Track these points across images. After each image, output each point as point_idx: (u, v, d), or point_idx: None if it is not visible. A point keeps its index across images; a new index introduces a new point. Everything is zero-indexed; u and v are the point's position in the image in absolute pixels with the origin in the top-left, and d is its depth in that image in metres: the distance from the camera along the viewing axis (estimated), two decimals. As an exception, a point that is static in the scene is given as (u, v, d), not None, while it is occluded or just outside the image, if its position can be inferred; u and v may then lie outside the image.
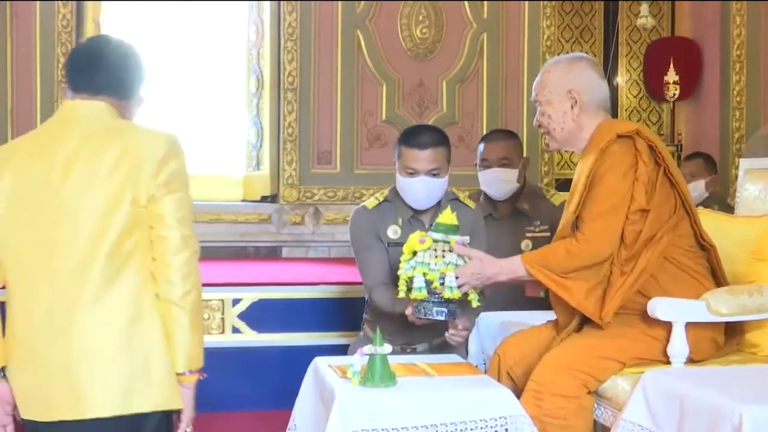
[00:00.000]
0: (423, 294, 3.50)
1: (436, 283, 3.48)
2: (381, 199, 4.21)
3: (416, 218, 4.15)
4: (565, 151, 8.33)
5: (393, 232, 4.16)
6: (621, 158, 3.35)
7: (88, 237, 2.63)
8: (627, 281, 3.32)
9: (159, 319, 2.66)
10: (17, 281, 2.72)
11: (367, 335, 4.33)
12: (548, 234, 4.64)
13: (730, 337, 3.50)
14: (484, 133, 7.38)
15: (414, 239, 3.54)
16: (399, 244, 3.95)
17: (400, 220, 4.15)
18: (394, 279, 3.86)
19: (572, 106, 3.51)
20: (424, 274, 3.48)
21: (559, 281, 3.35)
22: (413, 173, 4.03)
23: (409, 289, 3.53)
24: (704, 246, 3.48)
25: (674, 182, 3.42)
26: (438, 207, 4.11)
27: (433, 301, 3.54)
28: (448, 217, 3.57)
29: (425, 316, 3.56)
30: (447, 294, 3.47)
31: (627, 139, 3.38)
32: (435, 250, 3.51)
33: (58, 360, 2.63)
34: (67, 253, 2.64)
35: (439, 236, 3.52)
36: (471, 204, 4.27)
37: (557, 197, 4.78)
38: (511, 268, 3.46)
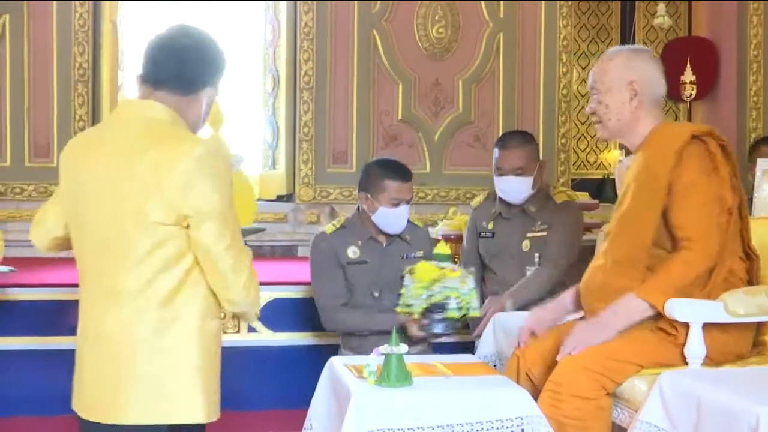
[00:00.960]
0: (457, 314, 4.02)
1: (464, 305, 4.00)
2: (338, 225, 4.55)
3: (374, 239, 4.49)
4: (582, 151, 8.32)
5: (353, 252, 4.46)
6: (701, 161, 3.30)
7: (119, 247, 2.63)
8: (708, 288, 3.29)
9: (189, 331, 2.65)
10: (79, 275, 2.79)
11: (344, 353, 4.43)
12: (545, 233, 4.66)
13: (753, 347, 3.46)
14: (500, 133, 7.40)
15: (433, 269, 4.04)
16: (358, 262, 4.44)
17: (359, 242, 4.46)
18: (357, 297, 4.44)
19: (631, 98, 3.44)
20: (457, 297, 3.99)
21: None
22: (398, 203, 4.36)
23: (425, 311, 4.06)
24: (749, 254, 3.44)
25: (736, 186, 3.38)
26: None
27: (438, 319, 4.04)
28: (443, 248, 4.20)
29: (432, 331, 4.07)
30: (472, 314, 4.06)
31: (700, 141, 3.33)
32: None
33: (94, 362, 2.69)
34: (101, 260, 2.67)
35: (447, 265, 4.07)
36: (419, 223, 4.65)
37: (560, 195, 4.80)
38: (627, 311, 3.29)
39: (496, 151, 4.79)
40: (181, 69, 2.75)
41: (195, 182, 2.57)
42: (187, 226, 2.60)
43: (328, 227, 4.57)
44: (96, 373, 2.67)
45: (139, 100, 2.76)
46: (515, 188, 4.70)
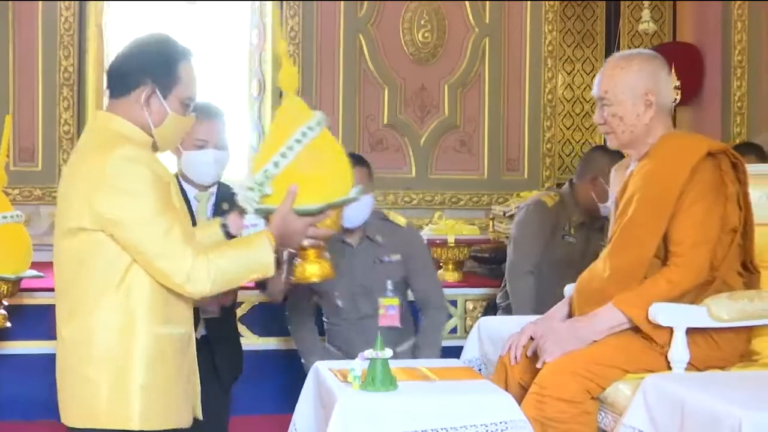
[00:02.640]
0: None
1: None
2: None
3: (344, 241, 4.25)
4: (567, 155, 8.34)
5: None
6: (710, 179, 3.25)
7: (59, 260, 2.73)
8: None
9: (129, 336, 2.65)
10: None
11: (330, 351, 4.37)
12: None
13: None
14: (486, 138, 7.47)
15: None
16: None
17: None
18: (328, 306, 4.32)
19: (646, 110, 3.34)
20: None
21: None
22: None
23: None
24: (749, 268, 3.41)
25: (746, 203, 3.34)
26: (364, 226, 4.24)
27: None
28: None
29: None
30: None
31: (713, 158, 3.27)
32: None
33: (57, 365, 2.79)
34: (56, 266, 2.77)
35: None
36: (401, 222, 4.35)
37: None
38: (604, 321, 3.26)
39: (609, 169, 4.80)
40: (117, 65, 2.78)
41: (112, 189, 2.60)
42: (112, 235, 2.62)
43: None
44: (59, 376, 2.76)
45: (99, 112, 2.84)
46: None
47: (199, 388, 2.91)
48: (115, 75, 2.78)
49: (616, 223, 3.45)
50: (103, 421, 2.64)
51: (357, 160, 4.03)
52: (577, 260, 4.71)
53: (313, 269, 3.00)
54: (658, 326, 3.21)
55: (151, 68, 2.74)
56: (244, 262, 2.74)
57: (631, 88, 3.34)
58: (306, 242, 2.92)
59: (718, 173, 3.27)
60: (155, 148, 2.82)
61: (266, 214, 2.88)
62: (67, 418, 2.72)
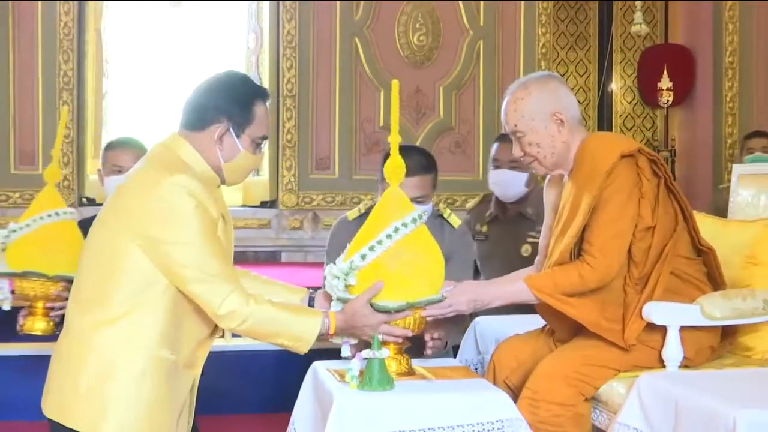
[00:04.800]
0: None
1: None
2: (362, 210, 4.15)
3: None
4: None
5: None
6: (625, 179, 3.26)
7: (90, 242, 2.81)
8: (642, 300, 3.27)
9: (128, 350, 2.65)
10: None
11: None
12: None
13: (722, 338, 3.47)
14: (481, 139, 7.47)
15: None
16: None
17: None
18: None
19: (559, 129, 3.36)
20: None
21: (572, 302, 3.27)
22: None
23: None
24: (701, 250, 3.44)
25: (674, 192, 3.37)
26: None
27: None
28: None
29: None
30: None
31: (629, 158, 3.29)
32: None
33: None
34: (83, 250, 2.84)
35: None
36: (455, 222, 4.12)
37: None
38: (512, 293, 3.36)
39: (494, 146, 4.73)
40: (194, 100, 2.81)
41: (158, 210, 2.63)
42: (147, 252, 2.64)
43: (351, 213, 4.22)
44: (51, 359, 2.76)
45: (175, 134, 2.82)
46: (508, 181, 4.63)
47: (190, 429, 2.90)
48: (191, 109, 2.80)
49: (551, 235, 3.49)
50: (75, 421, 2.64)
51: (423, 165, 3.86)
52: (492, 255, 4.71)
53: (390, 366, 3.06)
54: (576, 306, 3.27)
55: (227, 107, 2.79)
56: (284, 325, 2.79)
57: (538, 114, 3.37)
58: (381, 337, 2.98)
59: (635, 172, 3.29)
60: (222, 181, 2.86)
61: (346, 303, 2.94)
62: (45, 406, 2.71)
